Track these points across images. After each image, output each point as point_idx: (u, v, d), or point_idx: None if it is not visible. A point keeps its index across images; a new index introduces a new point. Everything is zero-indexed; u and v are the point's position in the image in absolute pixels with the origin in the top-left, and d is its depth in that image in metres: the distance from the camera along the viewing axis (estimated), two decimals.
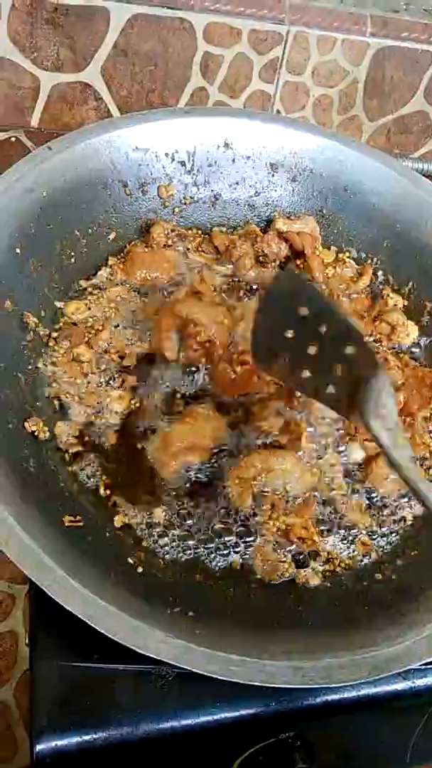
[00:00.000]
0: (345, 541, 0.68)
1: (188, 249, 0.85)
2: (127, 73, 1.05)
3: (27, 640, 0.64)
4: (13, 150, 1.03)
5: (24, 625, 1.00)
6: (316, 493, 0.69)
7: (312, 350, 0.60)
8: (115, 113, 1.08)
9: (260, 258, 0.86)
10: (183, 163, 0.87)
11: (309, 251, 0.84)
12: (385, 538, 0.69)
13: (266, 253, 0.85)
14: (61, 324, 0.75)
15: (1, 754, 1.00)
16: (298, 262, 0.86)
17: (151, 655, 0.51)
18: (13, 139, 1.04)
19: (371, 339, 0.81)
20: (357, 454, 0.73)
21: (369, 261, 0.90)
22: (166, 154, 0.85)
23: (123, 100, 1.07)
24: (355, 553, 0.68)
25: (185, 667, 0.52)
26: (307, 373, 0.61)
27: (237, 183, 0.91)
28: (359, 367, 0.58)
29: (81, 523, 0.62)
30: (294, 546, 0.66)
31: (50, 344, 0.73)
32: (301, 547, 0.66)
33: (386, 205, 0.88)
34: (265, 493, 0.68)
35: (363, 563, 0.67)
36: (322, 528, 0.68)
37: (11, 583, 0.92)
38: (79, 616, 0.51)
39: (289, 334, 0.61)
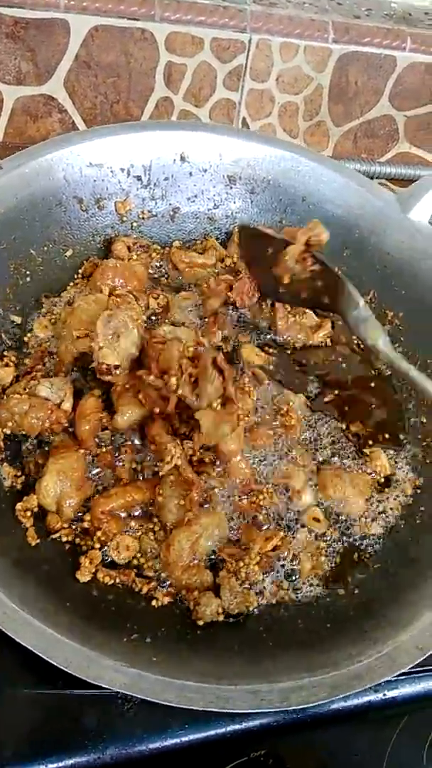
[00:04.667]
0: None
1: (151, 258, 0.85)
2: (90, 84, 1.04)
3: None
4: None
5: None
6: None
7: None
8: (80, 125, 1.07)
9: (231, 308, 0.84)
10: (139, 178, 0.86)
11: (278, 305, 0.83)
12: (347, 552, 0.69)
13: (237, 305, 0.83)
14: (26, 339, 0.75)
15: None
16: (264, 306, 0.85)
17: (104, 685, 0.50)
18: None
19: None
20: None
21: None
22: (122, 169, 0.85)
23: (87, 111, 1.07)
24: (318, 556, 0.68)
25: (139, 696, 0.51)
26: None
27: (195, 196, 0.91)
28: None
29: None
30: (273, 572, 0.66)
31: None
32: (279, 561, 0.66)
33: (345, 214, 0.87)
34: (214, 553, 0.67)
35: (326, 575, 0.67)
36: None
37: None
38: (30, 648, 0.51)
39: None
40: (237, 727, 0.57)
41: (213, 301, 0.82)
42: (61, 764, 0.53)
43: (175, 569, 0.63)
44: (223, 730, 0.57)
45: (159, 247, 0.88)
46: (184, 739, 0.56)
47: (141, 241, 0.86)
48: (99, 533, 0.63)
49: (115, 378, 0.69)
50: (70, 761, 0.53)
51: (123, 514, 0.66)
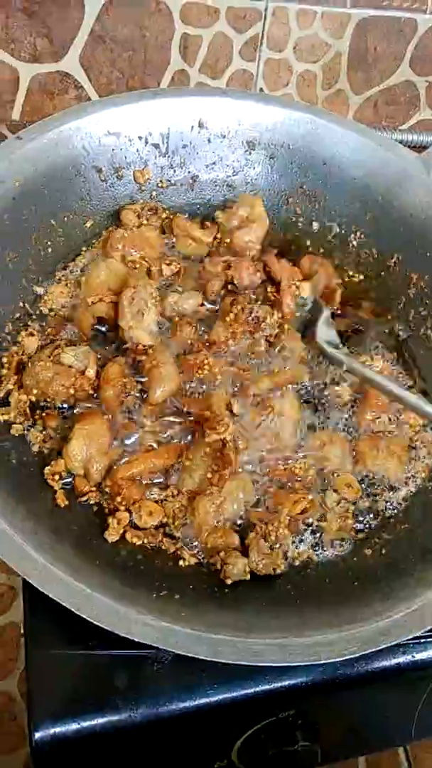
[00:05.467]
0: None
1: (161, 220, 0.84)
2: (106, 59, 1.04)
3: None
4: None
5: None
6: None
7: None
8: None
9: (229, 287, 0.80)
10: (157, 146, 0.85)
11: (285, 284, 0.79)
12: (375, 513, 0.69)
13: (236, 283, 0.79)
14: (41, 309, 0.75)
15: (8, 744, 1.01)
16: (270, 289, 0.81)
17: (135, 639, 0.51)
18: None
19: None
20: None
21: (352, 234, 0.89)
22: (140, 138, 0.84)
23: (104, 87, 1.06)
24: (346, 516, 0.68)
25: (170, 649, 0.52)
26: None
27: (214, 163, 0.89)
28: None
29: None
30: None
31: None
32: (306, 522, 0.66)
33: (367, 177, 0.85)
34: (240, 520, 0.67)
35: (353, 536, 0.67)
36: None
37: (10, 575, 0.92)
38: (64, 603, 0.51)
39: None
40: (266, 687, 0.58)
41: (213, 284, 0.79)
42: (93, 722, 0.55)
43: (201, 532, 0.64)
44: (252, 690, 0.58)
45: (167, 209, 0.87)
46: (213, 698, 0.57)
47: (149, 205, 0.85)
48: (119, 498, 0.64)
49: (149, 357, 0.69)
50: (103, 720, 0.55)
51: (145, 480, 0.66)
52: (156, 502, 0.66)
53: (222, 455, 0.66)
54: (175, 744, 0.63)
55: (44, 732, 0.54)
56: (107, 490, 0.65)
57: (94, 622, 0.51)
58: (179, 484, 0.66)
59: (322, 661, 0.53)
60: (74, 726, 0.54)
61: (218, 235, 0.85)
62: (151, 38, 1.04)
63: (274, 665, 0.53)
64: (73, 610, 0.51)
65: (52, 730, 0.54)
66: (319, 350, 0.76)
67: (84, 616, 0.51)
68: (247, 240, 0.82)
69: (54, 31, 0.99)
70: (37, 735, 0.54)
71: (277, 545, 0.64)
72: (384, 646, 0.55)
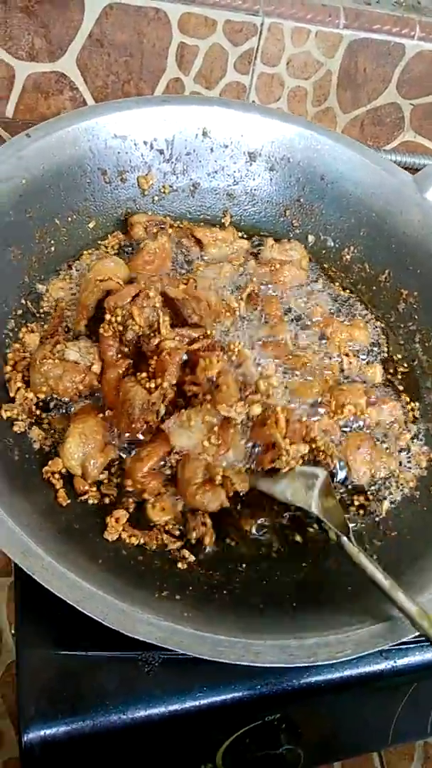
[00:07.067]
0: None
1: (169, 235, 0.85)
2: (102, 63, 1.04)
3: (13, 631, 0.63)
4: None
5: (8, 618, 0.99)
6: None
7: None
8: (90, 103, 1.07)
9: None
10: (161, 152, 0.87)
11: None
12: (365, 518, 0.71)
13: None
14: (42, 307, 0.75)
15: None
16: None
17: (140, 638, 0.51)
18: None
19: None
20: None
21: (345, 249, 0.91)
22: (145, 142, 0.86)
23: (98, 90, 1.07)
24: None
25: (174, 648, 0.52)
26: None
27: (215, 172, 0.92)
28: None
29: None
30: None
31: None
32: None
33: (362, 194, 0.89)
34: None
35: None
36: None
37: None
38: (67, 600, 0.51)
39: None
40: (252, 691, 0.59)
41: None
42: (82, 724, 0.54)
43: (188, 485, 0.64)
44: (239, 694, 0.58)
45: (173, 223, 0.88)
46: (203, 701, 0.57)
47: (155, 218, 0.87)
48: (146, 494, 0.65)
49: None
50: (92, 721, 0.55)
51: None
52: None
53: (224, 427, 0.65)
54: (162, 746, 0.63)
55: (34, 733, 0.53)
56: (130, 489, 0.65)
57: (100, 621, 0.51)
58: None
59: (320, 663, 0.54)
60: (64, 728, 0.54)
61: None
62: (148, 45, 1.04)
63: (274, 666, 0.53)
64: (77, 607, 0.51)
65: (42, 732, 0.53)
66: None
67: (89, 614, 0.51)
68: (289, 276, 0.84)
69: (52, 31, 0.99)
70: (27, 736, 0.53)
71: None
72: (378, 648, 0.56)
